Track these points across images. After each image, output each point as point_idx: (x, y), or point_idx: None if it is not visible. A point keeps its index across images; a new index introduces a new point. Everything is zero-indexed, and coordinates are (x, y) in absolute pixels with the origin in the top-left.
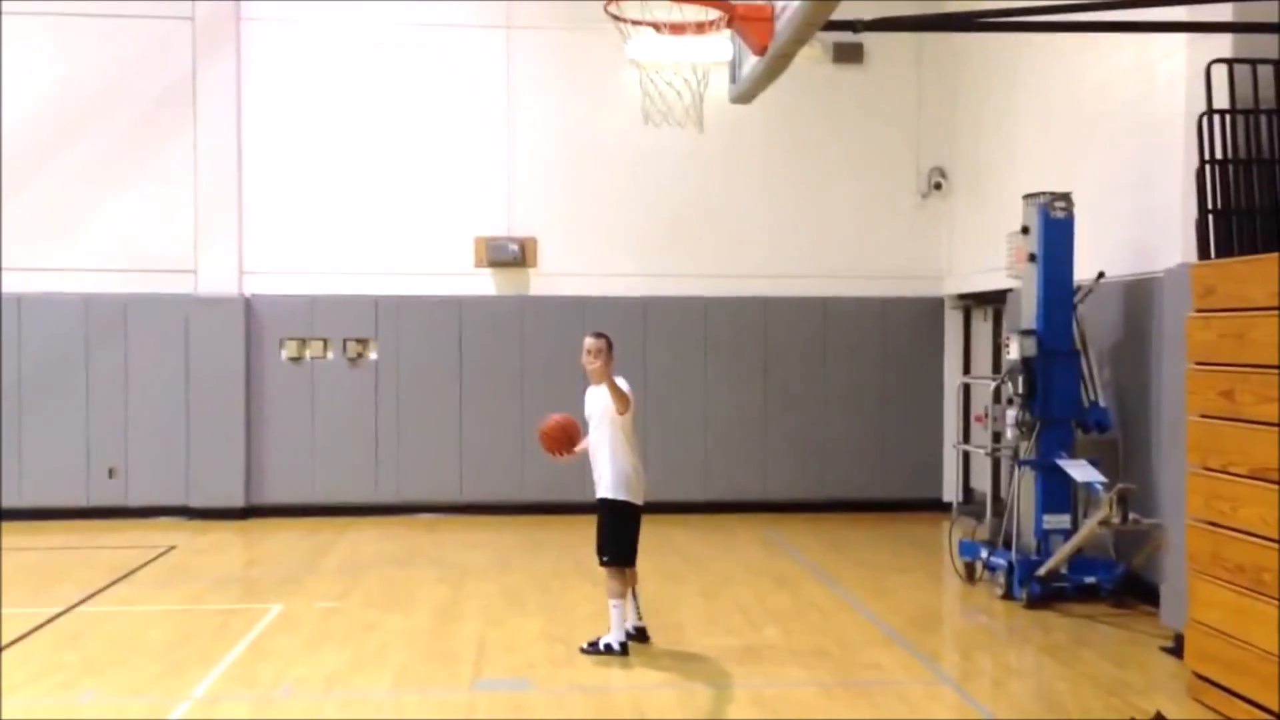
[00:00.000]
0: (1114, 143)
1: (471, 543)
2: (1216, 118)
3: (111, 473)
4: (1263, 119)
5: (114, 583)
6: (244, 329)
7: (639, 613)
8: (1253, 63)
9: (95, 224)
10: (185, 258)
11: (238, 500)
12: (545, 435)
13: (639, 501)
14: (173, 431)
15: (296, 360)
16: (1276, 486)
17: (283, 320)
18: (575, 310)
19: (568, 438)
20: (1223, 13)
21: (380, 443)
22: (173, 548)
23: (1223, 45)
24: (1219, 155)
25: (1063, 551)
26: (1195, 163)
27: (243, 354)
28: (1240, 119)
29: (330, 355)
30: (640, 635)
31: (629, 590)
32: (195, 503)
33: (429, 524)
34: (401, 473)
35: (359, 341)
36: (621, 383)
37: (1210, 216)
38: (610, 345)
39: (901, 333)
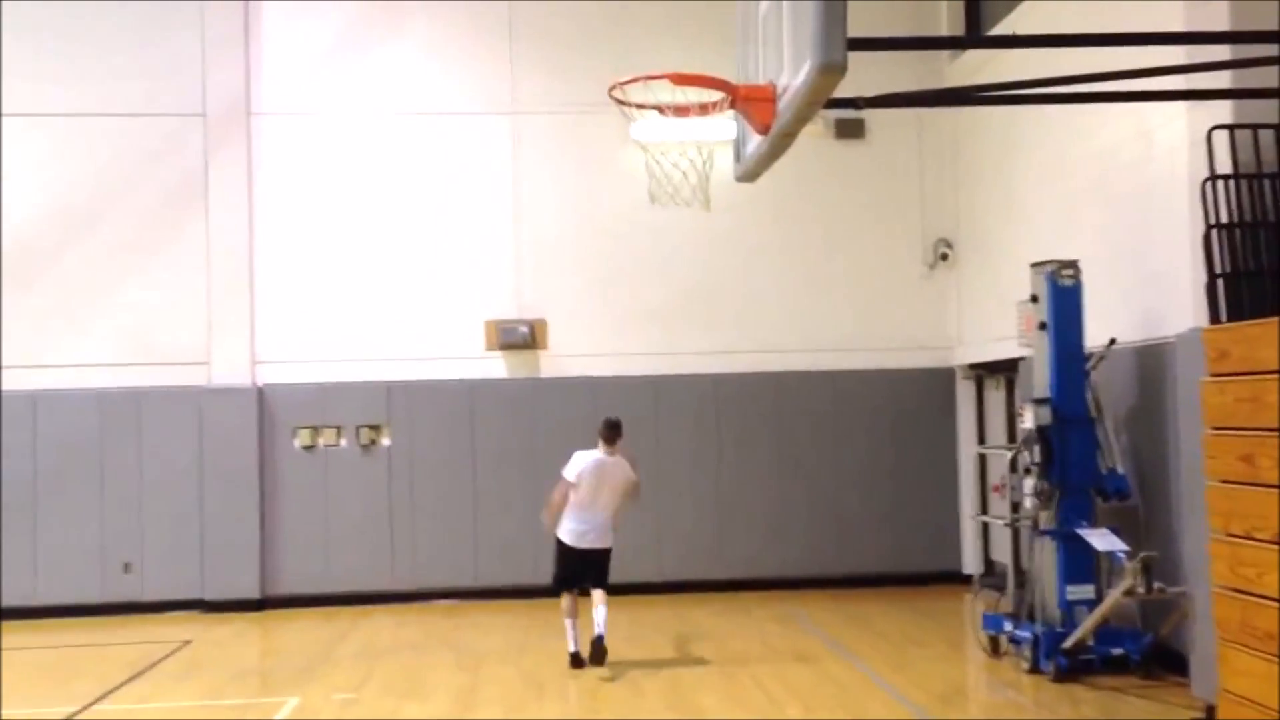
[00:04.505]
0: (1118, 208)
1: (489, 627)
2: (1220, 183)
3: (127, 567)
4: (1266, 183)
5: (130, 679)
6: (257, 419)
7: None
8: (1254, 128)
9: (108, 319)
10: (198, 349)
11: (253, 591)
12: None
13: (562, 538)
14: (187, 524)
15: (310, 449)
16: None
17: (296, 409)
18: (586, 390)
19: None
20: (1221, 80)
21: (395, 529)
22: (188, 642)
23: (1222, 111)
24: (1224, 219)
25: (1088, 623)
26: (1201, 227)
27: (256, 444)
28: (1244, 184)
29: (343, 442)
30: (595, 643)
31: (574, 613)
32: (210, 595)
33: (445, 610)
34: (417, 559)
35: (372, 428)
36: (566, 467)
37: (1219, 280)
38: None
39: (914, 404)
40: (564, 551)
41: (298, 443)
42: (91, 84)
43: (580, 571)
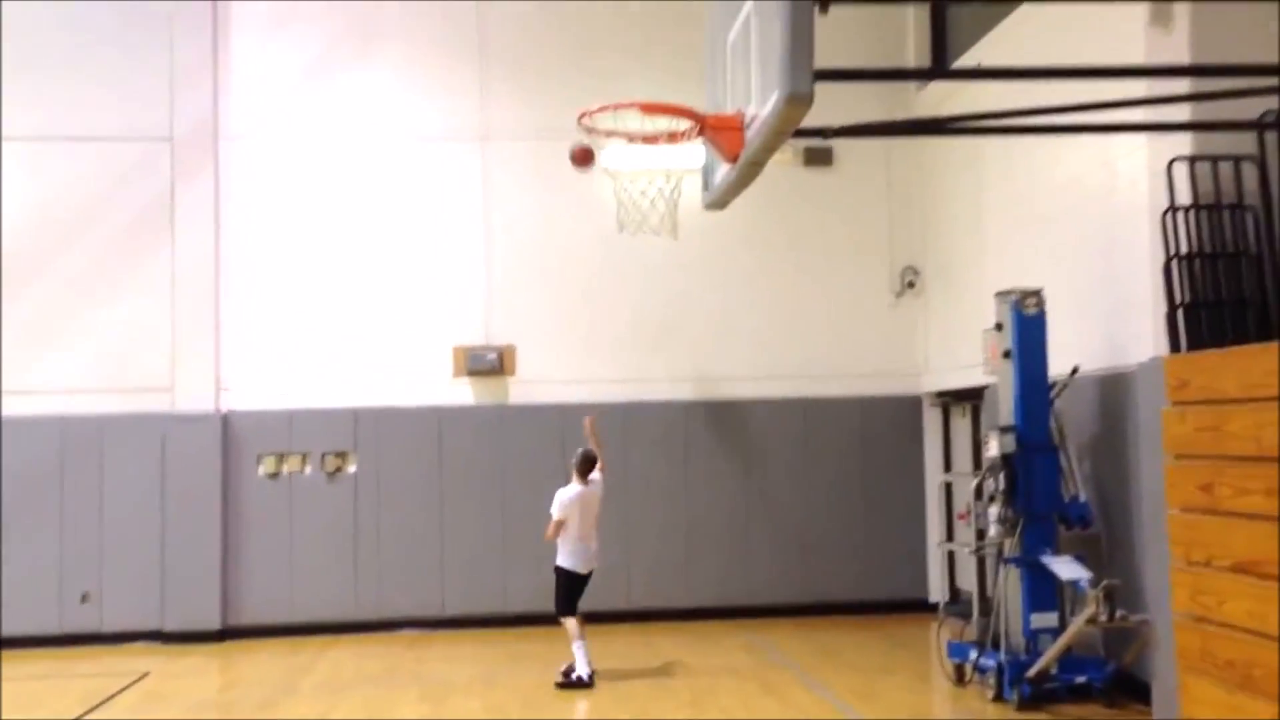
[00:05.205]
0: (1081, 238)
1: (454, 657)
2: (1180, 214)
3: (84, 598)
4: (1225, 214)
5: (87, 712)
6: (221, 446)
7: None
8: (1213, 159)
9: (71, 344)
10: (162, 376)
11: (214, 622)
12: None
13: (568, 567)
14: (147, 553)
15: (274, 476)
16: (1261, 580)
17: (261, 436)
18: (555, 417)
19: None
20: (1181, 112)
21: (360, 558)
22: (146, 674)
23: (1183, 142)
24: (1184, 250)
25: (1051, 651)
26: (1162, 257)
27: (219, 472)
28: (1203, 215)
29: (308, 470)
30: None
31: (583, 635)
32: (170, 626)
33: (410, 640)
34: (382, 588)
35: (338, 455)
36: (554, 508)
37: (1179, 310)
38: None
39: (882, 431)
40: (571, 578)
41: (262, 470)
42: (57, 107)
43: (581, 592)
